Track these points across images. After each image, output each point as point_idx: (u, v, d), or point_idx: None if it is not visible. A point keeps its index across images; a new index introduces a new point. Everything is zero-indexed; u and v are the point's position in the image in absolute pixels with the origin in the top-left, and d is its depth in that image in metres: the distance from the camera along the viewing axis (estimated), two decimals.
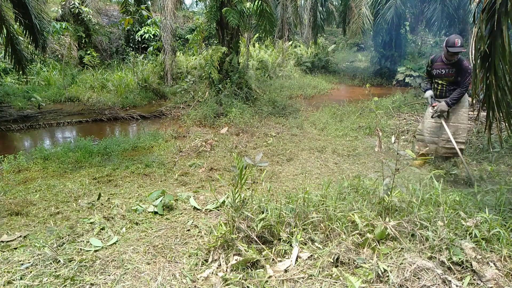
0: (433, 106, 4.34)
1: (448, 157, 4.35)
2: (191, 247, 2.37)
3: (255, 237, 2.19)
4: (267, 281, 1.90)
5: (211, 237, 2.42)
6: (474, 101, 2.96)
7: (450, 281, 1.76)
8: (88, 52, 12.44)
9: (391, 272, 1.82)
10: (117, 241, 2.50)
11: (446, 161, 4.29)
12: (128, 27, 10.75)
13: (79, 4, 12.23)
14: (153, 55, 12.44)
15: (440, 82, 4.36)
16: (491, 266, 1.84)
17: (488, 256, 1.91)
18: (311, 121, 7.19)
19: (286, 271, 1.98)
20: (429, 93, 4.47)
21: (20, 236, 2.65)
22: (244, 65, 9.25)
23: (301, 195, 2.55)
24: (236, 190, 2.37)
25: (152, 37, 13.17)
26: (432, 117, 4.35)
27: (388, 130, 6.21)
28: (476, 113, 3.29)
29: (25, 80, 9.77)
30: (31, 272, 2.08)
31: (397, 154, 2.47)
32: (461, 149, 4.14)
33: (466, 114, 4.29)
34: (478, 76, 2.71)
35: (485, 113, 2.97)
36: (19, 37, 7.04)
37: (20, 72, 7.33)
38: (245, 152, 5.30)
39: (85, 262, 2.19)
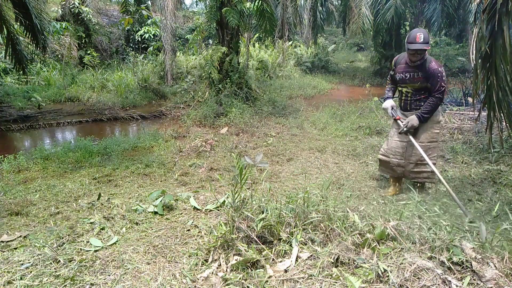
0: (396, 120, 3.52)
1: (418, 182, 3.51)
2: (191, 247, 2.37)
3: (255, 237, 2.19)
4: (267, 281, 1.90)
5: (211, 237, 2.42)
6: (474, 101, 2.97)
7: (450, 281, 1.75)
8: (88, 52, 12.43)
9: (391, 272, 1.82)
10: (117, 241, 2.50)
11: (417, 189, 3.21)
12: (128, 27, 10.77)
13: (79, 4, 12.23)
14: (153, 55, 12.43)
15: (404, 90, 3.48)
16: (491, 266, 1.84)
17: (488, 256, 1.91)
18: (311, 121, 7.18)
19: (286, 271, 1.98)
20: (389, 103, 3.61)
21: (20, 236, 2.65)
22: (244, 65, 9.24)
23: (301, 195, 2.54)
24: (236, 190, 2.37)
25: (152, 37, 13.17)
26: (399, 132, 3.45)
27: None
28: (477, 113, 3.29)
29: (25, 80, 9.76)
30: (31, 272, 2.08)
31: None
32: (432, 173, 3.31)
33: (438, 130, 3.45)
34: (479, 76, 2.72)
35: (485, 113, 2.97)
36: (20, 37, 7.04)
37: (20, 72, 7.32)
38: (245, 152, 5.30)
39: (85, 262, 2.19)
